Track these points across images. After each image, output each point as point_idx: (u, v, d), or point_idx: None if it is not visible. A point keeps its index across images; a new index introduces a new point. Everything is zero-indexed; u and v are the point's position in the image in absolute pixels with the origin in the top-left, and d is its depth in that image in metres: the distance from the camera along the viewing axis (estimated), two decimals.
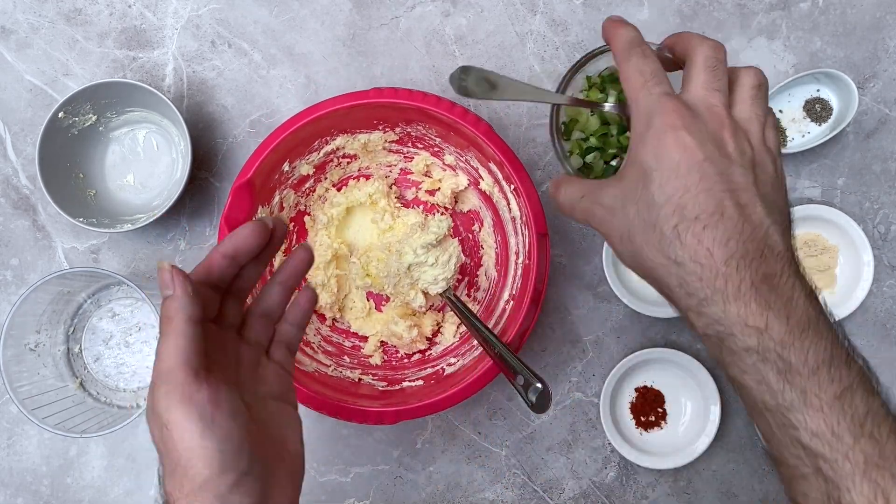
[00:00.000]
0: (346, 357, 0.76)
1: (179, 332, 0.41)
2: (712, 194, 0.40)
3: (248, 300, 0.52)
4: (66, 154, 0.75)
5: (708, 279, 0.40)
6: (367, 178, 0.77)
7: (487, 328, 0.66)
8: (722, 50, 0.45)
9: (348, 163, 0.76)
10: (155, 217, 0.72)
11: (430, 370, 0.74)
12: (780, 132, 0.78)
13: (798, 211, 0.77)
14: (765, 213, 0.41)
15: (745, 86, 0.45)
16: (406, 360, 0.76)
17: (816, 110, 0.78)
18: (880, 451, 0.38)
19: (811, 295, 0.41)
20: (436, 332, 0.77)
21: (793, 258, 0.42)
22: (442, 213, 0.77)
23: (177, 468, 0.41)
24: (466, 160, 0.73)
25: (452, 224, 0.76)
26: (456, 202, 0.77)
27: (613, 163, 0.57)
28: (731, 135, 0.42)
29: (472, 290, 0.77)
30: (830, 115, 0.78)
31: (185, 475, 0.40)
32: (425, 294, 0.73)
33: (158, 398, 0.41)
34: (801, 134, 0.78)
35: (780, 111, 0.78)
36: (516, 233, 0.72)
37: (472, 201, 0.77)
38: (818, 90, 0.78)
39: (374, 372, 0.75)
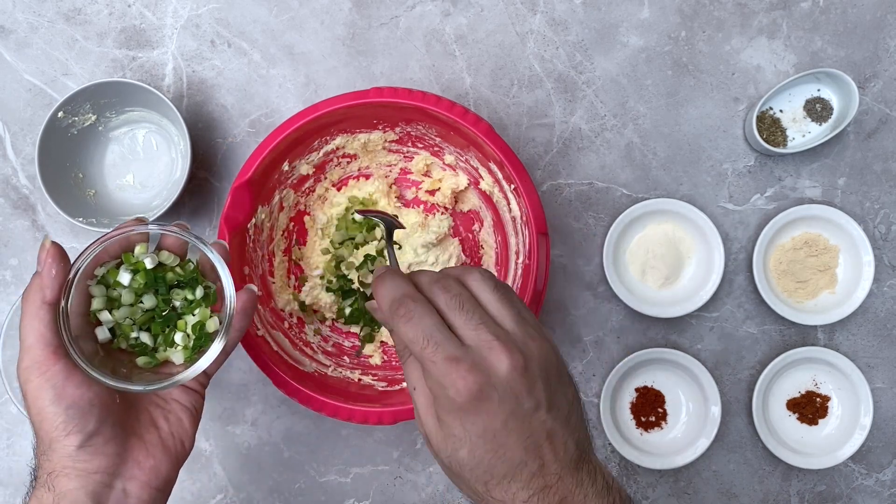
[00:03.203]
0: (345, 357, 0.75)
1: (35, 313, 0.46)
2: (516, 449, 0.41)
3: None
4: (66, 154, 0.75)
5: None
6: (367, 177, 0.77)
7: None
8: (449, 279, 0.45)
9: (348, 162, 0.76)
10: (154, 217, 0.72)
11: None
12: (781, 132, 0.78)
13: (799, 211, 0.76)
14: (564, 434, 0.43)
15: (487, 300, 0.44)
16: None
17: (817, 110, 0.78)
18: None
19: (602, 493, 0.43)
20: None
21: (585, 457, 0.44)
22: (442, 213, 0.77)
23: (36, 431, 0.47)
24: (466, 160, 0.72)
25: (452, 224, 0.75)
26: (456, 202, 0.77)
27: (143, 337, 0.51)
28: (520, 372, 0.42)
29: None
30: (831, 114, 0.78)
31: (39, 437, 0.47)
32: None
33: (20, 371, 0.46)
34: (802, 134, 0.78)
35: (781, 111, 0.78)
36: (516, 233, 0.72)
37: (472, 201, 0.76)
38: (819, 90, 0.78)
39: (374, 372, 0.74)
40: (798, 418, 0.79)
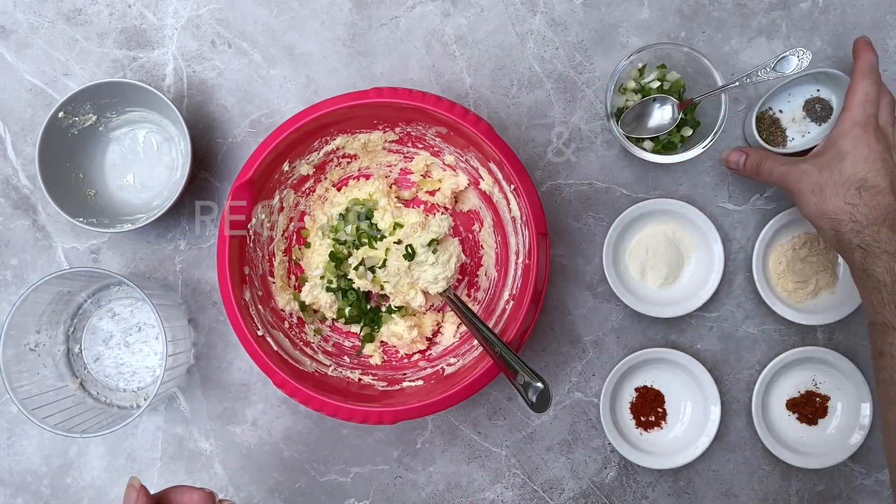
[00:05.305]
0: (346, 357, 0.76)
1: None
2: (883, 176, 0.63)
3: None
4: (66, 154, 0.75)
5: (874, 217, 0.62)
6: (367, 177, 0.77)
7: (488, 328, 0.66)
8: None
9: (348, 163, 0.76)
10: (155, 217, 0.72)
11: (430, 370, 0.74)
12: (781, 132, 0.78)
13: (799, 210, 0.76)
14: None
15: (888, 106, 0.67)
16: (406, 361, 0.76)
17: (817, 110, 0.78)
18: None
19: None
20: (436, 332, 0.77)
21: None
22: (442, 213, 0.77)
23: None
24: (466, 160, 0.73)
25: (453, 224, 0.75)
26: (456, 202, 0.77)
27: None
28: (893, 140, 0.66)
29: (473, 290, 0.77)
30: (830, 115, 0.78)
31: None
32: (425, 294, 0.73)
33: None
34: (802, 134, 0.78)
35: (780, 111, 0.78)
36: (516, 233, 0.72)
37: (472, 201, 0.77)
38: (818, 90, 0.78)
39: (374, 372, 0.75)
40: (798, 418, 0.79)
